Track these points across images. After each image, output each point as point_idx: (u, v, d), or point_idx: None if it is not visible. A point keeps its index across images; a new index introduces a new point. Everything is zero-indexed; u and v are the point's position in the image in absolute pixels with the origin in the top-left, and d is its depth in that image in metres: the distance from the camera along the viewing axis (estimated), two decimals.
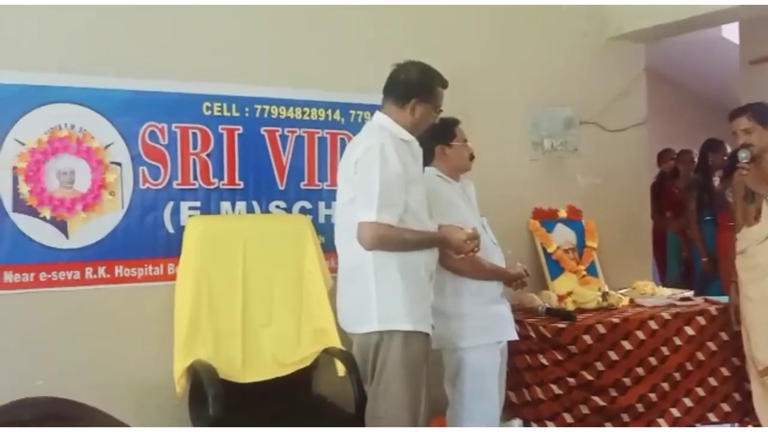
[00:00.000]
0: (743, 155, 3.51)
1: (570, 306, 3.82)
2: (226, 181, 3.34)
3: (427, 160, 3.06)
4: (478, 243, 2.84)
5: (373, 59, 3.41)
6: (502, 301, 3.20)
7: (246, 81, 3.37)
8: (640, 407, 3.65)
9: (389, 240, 2.66)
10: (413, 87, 2.80)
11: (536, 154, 4.22)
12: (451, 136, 3.17)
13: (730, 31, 7.30)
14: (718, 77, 8.29)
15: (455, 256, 2.89)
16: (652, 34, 4.49)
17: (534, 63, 4.17)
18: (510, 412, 3.57)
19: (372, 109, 3.11)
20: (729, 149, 5.90)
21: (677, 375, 3.76)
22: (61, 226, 3.02)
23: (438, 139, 3.10)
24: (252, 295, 3.17)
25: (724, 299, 3.98)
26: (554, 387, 3.51)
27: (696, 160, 6.29)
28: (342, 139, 3.57)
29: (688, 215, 5.99)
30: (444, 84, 2.88)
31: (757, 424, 3.78)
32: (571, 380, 3.52)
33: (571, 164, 4.32)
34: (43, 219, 2.99)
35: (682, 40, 5.04)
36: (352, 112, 3.61)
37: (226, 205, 3.35)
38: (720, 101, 8.54)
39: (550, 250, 4.12)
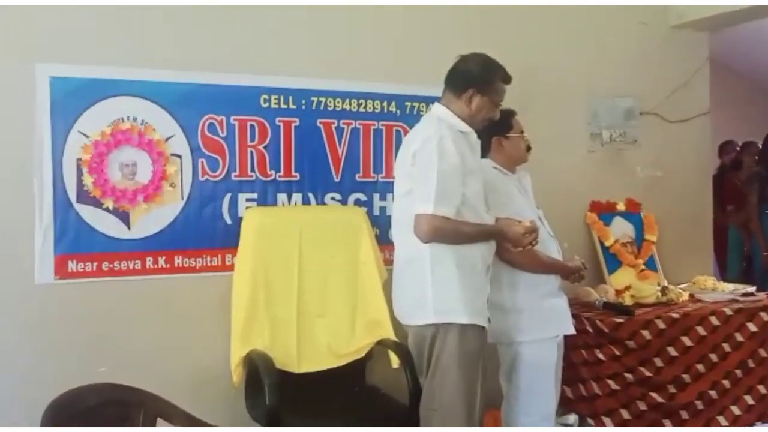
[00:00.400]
0: None
1: (628, 300, 3.75)
2: (282, 173, 3.37)
3: (484, 152, 3.03)
4: (536, 236, 2.81)
5: (430, 51, 3.43)
6: (559, 294, 3.15)
7: (303, 74, 3.39)
8: (699, 404, 3.58)
9: (446, 232, 2.65)
10: (471, 77, 2.78)
11: (594, 146, 4.15)
12: (508, 127, 3.13)
13: None
14: None
15: (513, 249, 2.86)
16: (715, 22, 4.35)
17: (594, 53, 4.10)
18: (565, 407, 3.53)
19: (428, 101, 3.09)
20: None
21: (738, 372, 3.68)
22: (123, 217, 3.09)
23: (494, 130, 3.07)
24: (307, 286, 3.20)
25: None
26: (611, 383, 3.46)
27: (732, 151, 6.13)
28: (397, 131, 3.57)
29: (749, 208, 5.84)
30: (506, 79, 2.85)
31: None
32: (629, 376, 3.46)
33: (630, 156, 4.24)
34: (106, 210, 3.06)
35: (744, 29, 4.88)
36: (408, 104, 3.60)
37: (282, 197, 3.38)
38: None
39: (607, 243, 4.05)
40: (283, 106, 3.36)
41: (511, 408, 3.15)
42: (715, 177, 6.13)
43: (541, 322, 3.07)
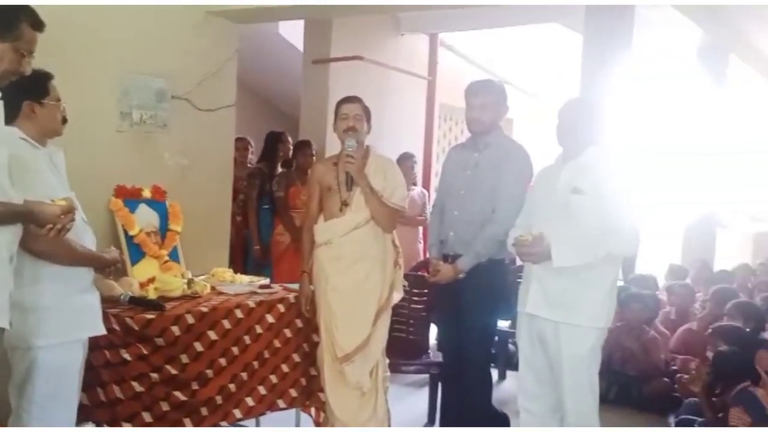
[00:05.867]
0: (351, 143, 3.55)
1: (152, 294, 3.52)
2: None
3: (9, 118, 2.51)
4: (72, 216, 2.43)
5: None
6: (92, 290, 2.78)
7: None
8: (219, 399, 3.53)
9: None
10: None
11: (124, 126, 3.81)
12: (44, 92, 2.66)
13: (287, 30, 7.62)
14: (272, 73, 8.67)
15: (44, 233, 2.37)
16: (243, 15, 4.39)
17: (128, 24, 3.77)
18: (80, 415, 3.12)
19: None
20: (291, 140, 6.19)
21: (255, 364, 3.73)
22: None
23: (27, 93, 2.57)
24: None
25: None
26: (135, 384, 3.20)
27: (249, 147, 6.40)
28: None
29: (248, 203, 6.06)
30: (37, 25, 2.37)
31: (319, 408, 3.97)
32: (154, 375, 3.25)
33: (159, 141, 4.02)
34: None
35: (240, 34, 5.00)
36: None
37: None
38: (275, 96, 8.99)
39: (132, 232, 3.75)
40: None
41: (21, 422, 2.66)
42: None
43: (68, 323, 2.67)
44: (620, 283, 4.99)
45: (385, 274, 3.74)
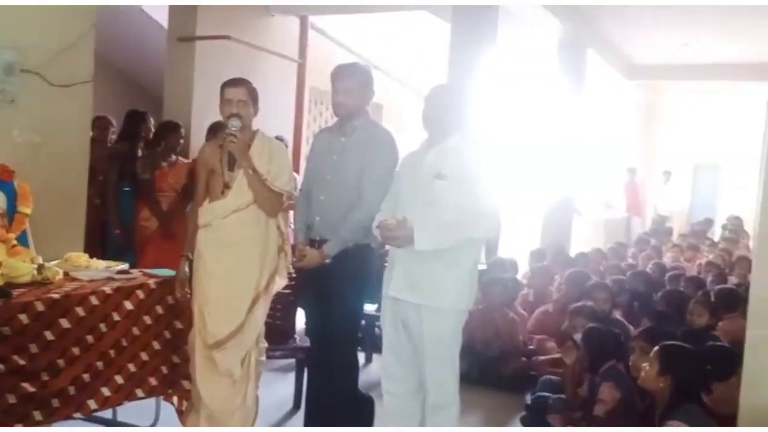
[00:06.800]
0: (235, 123, 3.49)
1: None
2: None
3: None
4: None
5: None
6: None
7: None
8: (72, 390, 3.37)
9: None
10: None
11: None
12: None
13: (151, 5, 7.34)
14: (135, 49, 8.34)
15: None
16: None
17: None
18: None
19: None
20: (152, 121, 5.96)
21: (112, 352, 3.58)
22: None
23: None
24: None
25: (162, 272, 3.93)
26: None
27: (109, 126, 6.12)
28: None
29: (107, 185, 5.79)
30: None
31: (182, 396, 3.87)
32: (0, 366, 3.05)
33: (7, 117, 3.78)
34: None
35: (100, 7, 4.76)
36: None
37: None
38: (138, 74, 8.64)
39: None
40: None
41: None
42: None
43: None
44: (483, 267, 5.16)
45: (265, 260, 3.65)
